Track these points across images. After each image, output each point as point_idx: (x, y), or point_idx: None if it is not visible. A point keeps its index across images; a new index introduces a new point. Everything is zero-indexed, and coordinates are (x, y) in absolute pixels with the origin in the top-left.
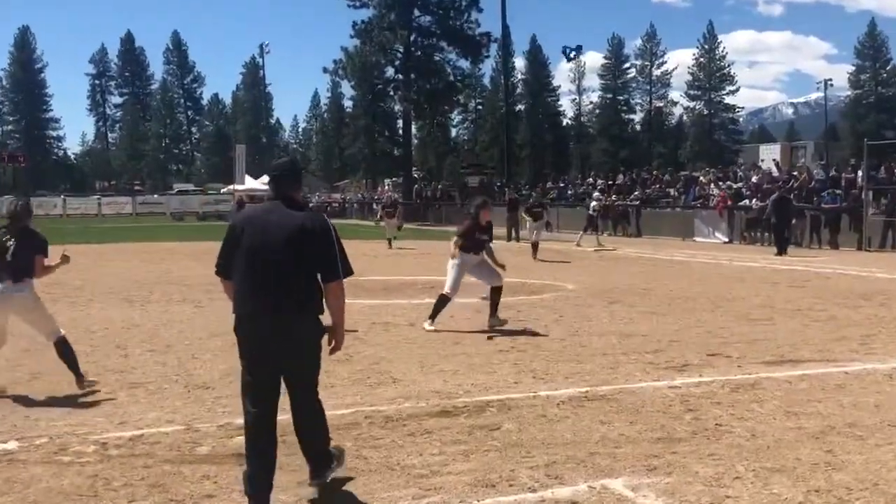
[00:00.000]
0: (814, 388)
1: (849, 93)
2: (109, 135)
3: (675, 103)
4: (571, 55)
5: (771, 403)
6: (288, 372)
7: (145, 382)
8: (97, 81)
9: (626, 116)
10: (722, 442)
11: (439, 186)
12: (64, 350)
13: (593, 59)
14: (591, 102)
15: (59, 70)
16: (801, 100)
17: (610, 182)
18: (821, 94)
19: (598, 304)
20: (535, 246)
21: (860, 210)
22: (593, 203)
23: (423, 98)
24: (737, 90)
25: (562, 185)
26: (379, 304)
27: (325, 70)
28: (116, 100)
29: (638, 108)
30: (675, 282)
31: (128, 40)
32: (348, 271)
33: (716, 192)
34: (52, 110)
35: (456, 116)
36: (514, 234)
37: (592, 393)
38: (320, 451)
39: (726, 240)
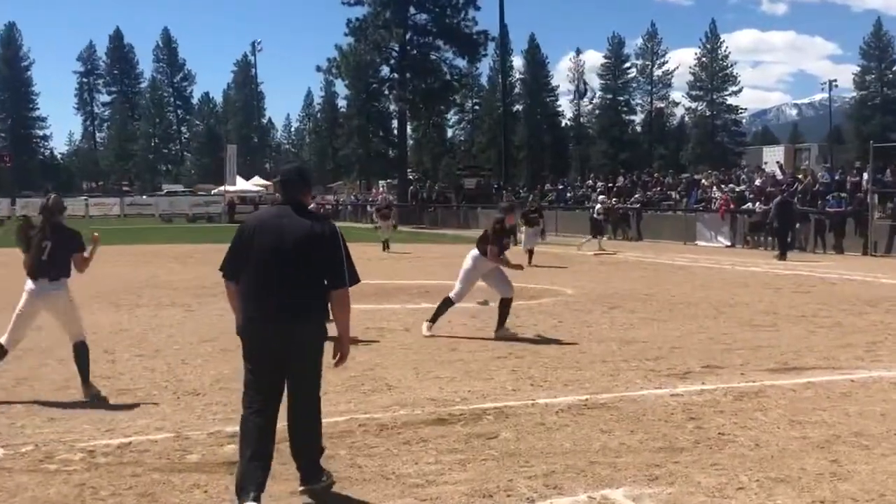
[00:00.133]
0: (819, 396)
1: (854, 94)
2: (97, 134)
3: (676, 104)
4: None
5: (775, 412)
6: (291, 375)
7: (134, 389)
8: (85, 79)
9: (627, 117)
10: (725, 451)
11: (435, 188)
12: (81, 353)
13: (593, 59)
14: (591, 103)
15: (46, 68)
16: (806, 101)
17: (610, 185)
18: (825, 96)
19: (597, 309)
20: (530, 253)
21: (865, 214)
22: (598, 206)
23: (419, 98)
24: (739, 91)
25: (560, 187)
26: (373, 308)
27: (318, 69)
28: (104, 98)
29: (638, 108)
30: (676, 287)
31: (116, 37)
32: (355, 279)
33: (718, 195)
34: (38, 109)
35: (452, 117)
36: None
37: (592, 401)
38: (313, 460)
39: (729, 244)
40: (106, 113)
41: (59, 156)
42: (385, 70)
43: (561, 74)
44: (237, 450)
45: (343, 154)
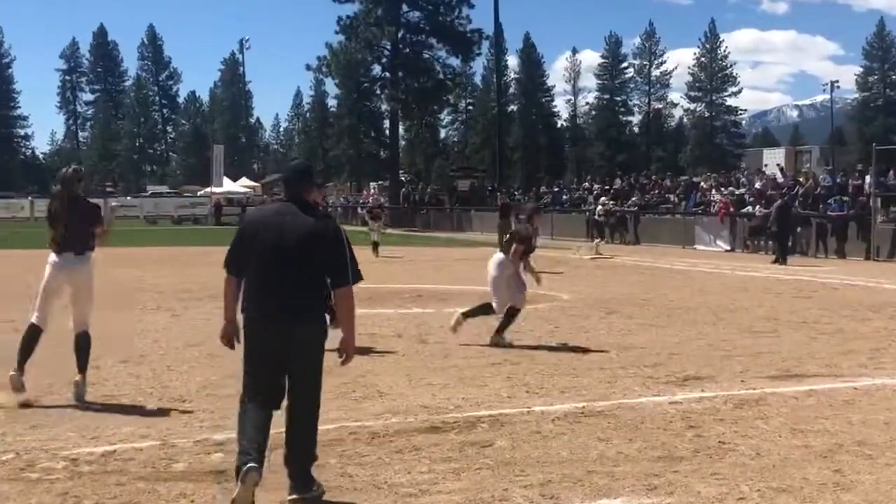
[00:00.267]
0: (821, 404)
1: (856, 95)
2: (80, 133)
3: (674, 105)
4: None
5: (776, 420)
6: (291, 375)
7: (118, 395)
8: (68, 77)
9: (624, 118)
10: (725, 461)
11: (427, 190)
12: (83, 343)
13: (590, 59)
14: (588, 103)
15: (27, 65)
16: (807, 102)
17: (606, 187)
18: (827, 97)
19: (594, 314)
20: None
21: (868, 218)
22: (599, 208)
23: (411, 97)
24: (739, 92)
25: (556, 189)
26: (365, 313)
27: (308, 67)
28: (88, 97)
29: (636, 109)
30: (675, 292)
31: (100, 34)
32: (358, 277)
33: (717, 198)
34: (19, 107)
35: (445, 117)
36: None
37: (589, 408)
38: (305, 468)
39: (728, 248)
40: (89, 112)
41: (40, 156)
42: (377, 69)
43: (557, 74)
44: (233, 448)
45: (333, 155)
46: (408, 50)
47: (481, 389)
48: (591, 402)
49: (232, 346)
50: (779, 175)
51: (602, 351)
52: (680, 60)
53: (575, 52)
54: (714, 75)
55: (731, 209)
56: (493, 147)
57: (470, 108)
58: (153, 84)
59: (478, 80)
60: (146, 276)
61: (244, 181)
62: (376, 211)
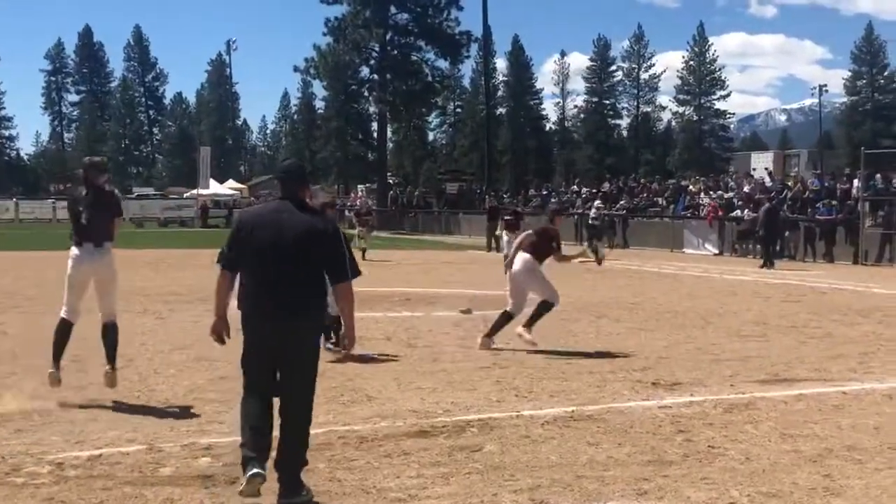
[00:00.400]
0: (810, 408)
1: (844, 99)
2: (65, 135)
3: (663, 108)
4: None
5: (766, 425)
6: (286, 372)
7: (104, 399)
8: (53, 78)
9: (613, 121)
10: (715, 465)
11: (415, 193)
12: (110, 333)
13: (578, 62)
14: (576, 106)
15: (11, 66)
16: (795, 106)
17: (595, 190)
18: (815, 101)
19: (583, 318)
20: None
21: (856, 222)
22: (592, 212)
23: (399, 99)
24: (728, 95)
25: (545, 192)
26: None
27: (295, 69)
28: (73, 98)
29: (625, 112)
30: (663, 296)
31: (86, 35)
32: (356, 272)
33: (706, 201)
34: (4, 108)
35: (434, 119)
36: (494, 243)
37: (579, 413)
38: (295, 472)
39: (717, 252)
40: (74, 113)
41: (25, 157)
42: (364, 71)
43: (545, 77)
44: (220, 452)
45: (321, 157)
46: (396, 52)
47: (470, 393)
48: (581, 407)
49: (222, 342)
50: (767, 179)
51: (591, 355)
52: (668, 64)
53: (563, 54)
54: (703, 79)
55: (720, 213)
56: (481, 150)
57: (458, 110)
58: (139, 85)
59: (466, 82)
60: (133, 279)
61: (231, 183)
62: (365, 218)
